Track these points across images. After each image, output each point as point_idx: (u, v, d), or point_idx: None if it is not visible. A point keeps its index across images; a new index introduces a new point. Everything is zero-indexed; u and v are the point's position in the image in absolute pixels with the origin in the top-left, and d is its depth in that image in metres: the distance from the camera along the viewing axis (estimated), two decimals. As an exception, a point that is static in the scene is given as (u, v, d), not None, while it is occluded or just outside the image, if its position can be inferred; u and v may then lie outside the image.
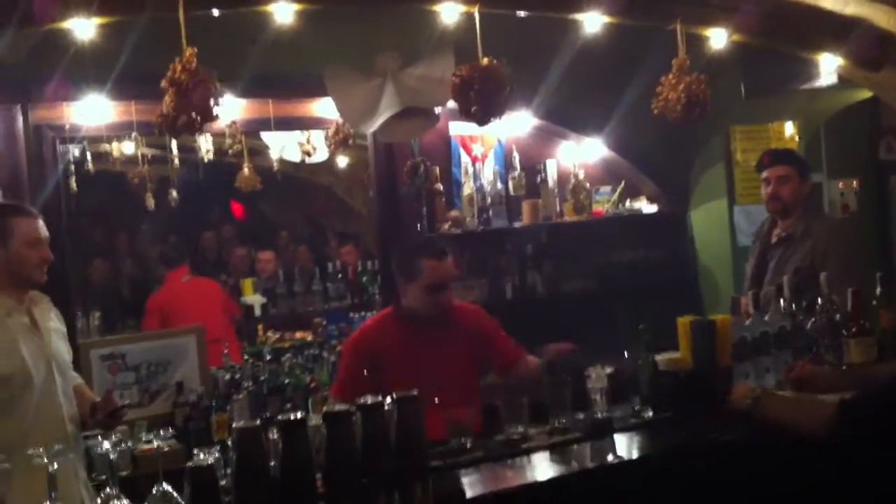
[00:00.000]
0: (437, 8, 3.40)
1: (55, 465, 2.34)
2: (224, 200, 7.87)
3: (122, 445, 2.89)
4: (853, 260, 4.25)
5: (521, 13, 3.81)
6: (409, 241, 5.06)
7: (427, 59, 4.16)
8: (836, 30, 4.17)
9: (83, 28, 3.07)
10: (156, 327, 5.83)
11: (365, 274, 6.58)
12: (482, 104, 3.36)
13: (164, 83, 2.85)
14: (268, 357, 4.71)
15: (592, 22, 3.78)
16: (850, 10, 3.87)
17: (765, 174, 4.48)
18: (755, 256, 4.60)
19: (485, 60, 3.42)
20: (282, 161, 6.40)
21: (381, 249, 5.73)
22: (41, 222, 3.31)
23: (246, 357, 4.53)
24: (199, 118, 2.79)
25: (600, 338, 5.70)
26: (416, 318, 3.62)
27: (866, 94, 5.41)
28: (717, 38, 4.11)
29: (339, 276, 6.66)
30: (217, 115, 2.93)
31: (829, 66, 4.80)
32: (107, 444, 2.46)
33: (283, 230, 8.11)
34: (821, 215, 4.74)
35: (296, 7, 3.14)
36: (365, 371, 3.44)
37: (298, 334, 6.41)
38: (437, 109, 4.53)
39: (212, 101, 2.83)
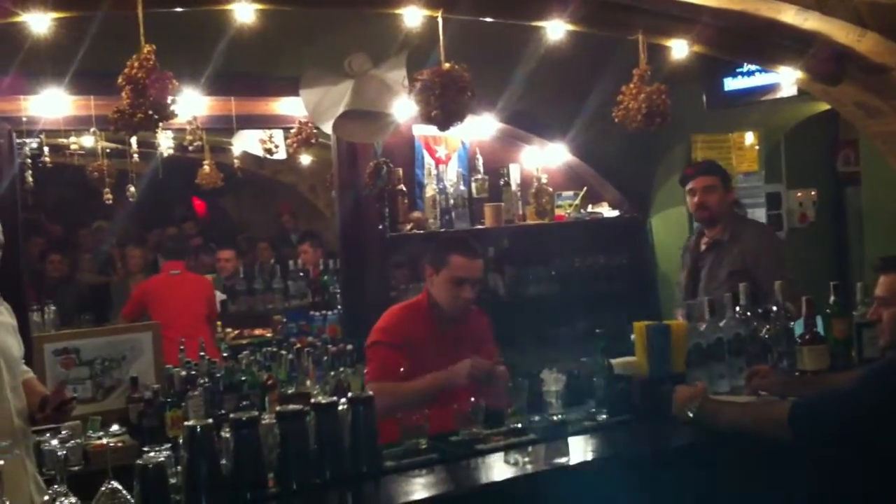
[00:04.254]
0: (400, 11, 3.38)
1: (2, 462, 2.32)
2: (186, 197, 7.81)
3: (73, 441, 2.86)
4: (782, 257, 4.45)
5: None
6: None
7: (384, 66, 4.16)
8: (795, 44, 4.21)
9: (39, 22, 3.00)
10: (133, 314, 5.84)
11: (326, 273, 6.56)
12: (443, 109, 3.36)
13: (120, 80, 2.82)
14: (224, 354, 4.67)
15: (555, 29, 3.79)
16: (809, 24, 3.89)
17: (690, 185, 4.61)
18: (687, 267, 4.71)
19: (446, 65, 3.41)
20: (245, 159, 6.36)
21: (343, 249, 5.71)
22: None
23: (201, 353, 4.47)
24: (155, 116, 2.77)
25: (561, 341, 5.83)
26: (440, 311, 3.74)
27: (826, 106, 5.49)
28: (679, 48, 4.14)
29: (301, 274, 6.64)
30: (175, 113, 2.91)
31: (789, 79, 4.86)
32: (55, 442, 2.43)
33: (244, 228, 8.07)
34: (745, 221, 4.90)
35: (256, 7, 3.11)
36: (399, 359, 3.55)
37: (258, 331, 6.39)
38: (407, 115, 4.50)
39: (169, 99, 2.81)
